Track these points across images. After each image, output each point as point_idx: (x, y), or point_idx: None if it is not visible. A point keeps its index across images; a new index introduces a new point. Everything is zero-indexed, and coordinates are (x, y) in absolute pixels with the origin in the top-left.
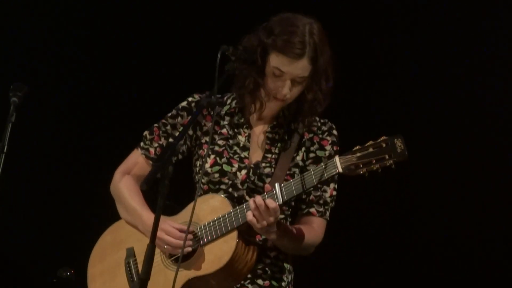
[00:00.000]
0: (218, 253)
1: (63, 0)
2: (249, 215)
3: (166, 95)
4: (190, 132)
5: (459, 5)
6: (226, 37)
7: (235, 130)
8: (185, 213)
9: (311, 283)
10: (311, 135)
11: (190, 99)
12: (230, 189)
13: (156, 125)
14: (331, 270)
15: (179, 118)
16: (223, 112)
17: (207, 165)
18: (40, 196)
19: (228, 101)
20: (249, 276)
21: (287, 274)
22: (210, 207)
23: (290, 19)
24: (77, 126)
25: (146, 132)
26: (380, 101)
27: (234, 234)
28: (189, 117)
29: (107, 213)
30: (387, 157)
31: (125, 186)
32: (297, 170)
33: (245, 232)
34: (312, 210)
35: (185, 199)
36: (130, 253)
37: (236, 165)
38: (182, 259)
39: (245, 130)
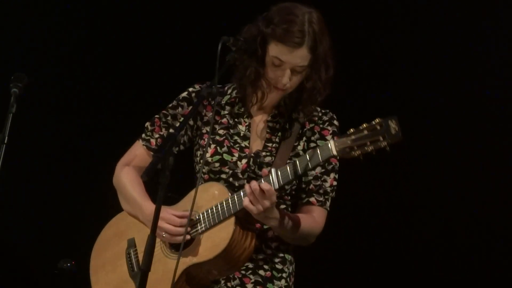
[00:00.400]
0: (216, 240)
1: None
2: (245, 200)
3: (167, 86)
4: (191, 122)
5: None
6: (227, 27)
7: (236, 119)
8: (185, 201)
9: (312, 274)
10: (312, 125)
11: (190, 89)
12: (231, 179)
13: (157, 116)
14: (332, 261)
15: (180, 109)
16: (223, 102)
17: (208, 155)
18: (41, 187)
19: (229, 91)
20: (250, 266)
21: (288, 265)
22: (209, 195)
23: (289, 8)
24: (78, 117)
25: (147, 123)
26: (380, 91)
27: (232, 220)
28: (190, 108)
29: (109, 205)
30: (381, 138)
31: (126, 177)
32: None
33: (244, 219)
34: (312, 199)
35: (186, 190)
36: (131, 243)
37: (236, 155)
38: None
39: (246, 120)
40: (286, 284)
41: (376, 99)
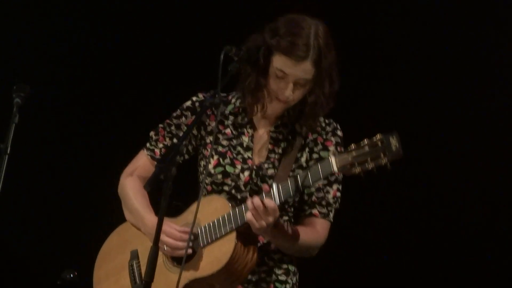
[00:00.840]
0: (218, 254)
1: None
2: (248, 215)
3: (171, 94)
4: (195, 132)
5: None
6: (231, 36)
7: (239, 130)
8: (187, 214)
9: (316, 285)
10: (315, 136)
11: (194, 98)
12: (233, 191)
13: (161, 125)
14: (336, 272)
15: (184, 118)
16: (227, 112)
17: (211, 166)
18: (44, 197)
19: (233, 100)
20: (253, 279)
21: (291, 276)
22: (211, 208)
23: (296, 20)
24: (82, 127)
25: (152, 133)
26: (383, 100)
27: (233, 235)
28: (193, 117)
29: (113, 215)
30: (382, 155)
31: (130, 188)
32: (300, 171)
33: (245, 233)
34: (315, 211)
35: (190, 198)
36: (134, 255)
37: (239, 166)
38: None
39: (249, 130)
40: None
41: (378, 105)
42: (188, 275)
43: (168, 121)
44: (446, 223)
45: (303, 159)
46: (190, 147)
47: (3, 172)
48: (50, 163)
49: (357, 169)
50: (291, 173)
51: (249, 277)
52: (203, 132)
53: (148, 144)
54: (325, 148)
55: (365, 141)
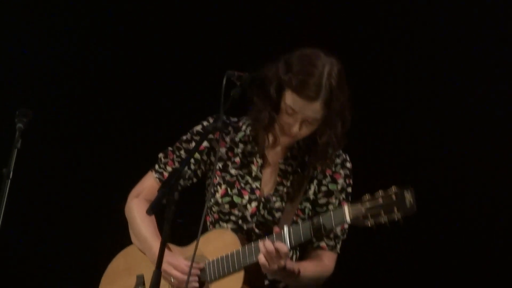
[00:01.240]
0: None
1: (70, 24)
2: (261, 259)
3: (178, 114)
4: (205, 157)
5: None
6: (237, 61)
7: (248, 158)
8: (194, 245)
9: None
10: (323, 167)
11: (204, 123)
12: (240, 221)
13: (170, 148)
14: None
15: (193, 143)
16: (237, 139)
17: (218, 195)
18: (48, 218)
19: (243, 127)
20: None
21: None
22: (221, 242)
23: (310, 58)
24: (85, 149)
25: (161, 155)
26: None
27: (241, 274)
28: (204, 142)
29: (117, 236)
30: (395, 210)
31: (138, 212)
32: (308, 204)
33: (254, 271)
34: (322, 244)
35: (196, 218)
36: (140, 280)
37: (246, 197)
38: None
39: (258, 160)
40: None
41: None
42: None
43: (177, 144)
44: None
45: (311, 192)
46: (199, 172)
47: (5, 196)
48: (54, 182)
49: (370, 222)
50: (299, 207)
51: None
52: (212, 158)
53: (156, 166)
54: (334, 181)
55: (380, 192)
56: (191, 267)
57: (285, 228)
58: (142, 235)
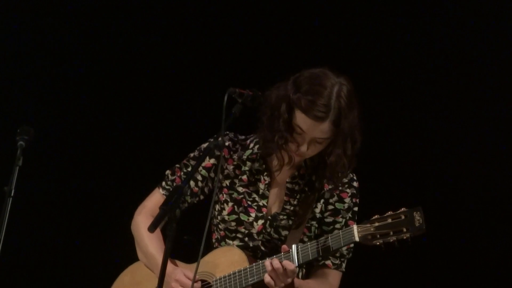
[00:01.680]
0: None
1: (72, 41)
2: (267, 278)
3: (185, 133)
4: (212, 174)
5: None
6: (242, 80)
7: (256, 176)
8: (201, 262)
9: None
10: (330, 186)
11: (212, 140)
12: (246, 238)
13: (177, 165)
14: None
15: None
16: (245, 157)
17: (225, 212)
18: (51, 236)
19: (251, 145)
20: None
21: None
22: (228, 260)
23: (320, 78)
24: (90, 167)
25: (168, 172)
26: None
27: None
28: (211, 159)
29: (123, 253)
30: (404, 230)
31: (144, 228)
32: (314, 223)
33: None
34: (328, 262)
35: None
36: None
37: (253, 215)
38: None
39: (265, 178)
40: None
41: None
42: None
43: (185, 161)
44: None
45: (317, 210)
46: (206, 189)
47: (7, 214)
48: (56, 202)
49: (379, 241)
50: (306, 225)
51: None
52: (220, 176)
53: (164, 183)
54: (341, 200)
55: (389, 213)
56: (193, 280)
57: (294, 247)
58: (149, 252)
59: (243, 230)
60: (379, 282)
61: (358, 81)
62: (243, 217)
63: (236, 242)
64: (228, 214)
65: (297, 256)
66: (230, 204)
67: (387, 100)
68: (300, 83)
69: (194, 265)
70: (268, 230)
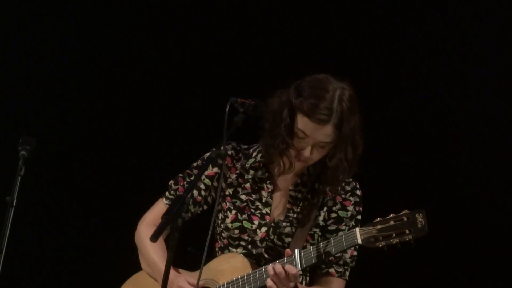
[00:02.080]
0: None
1: (76, 53)
2: (269, 282)
3: (189, 139)
4: (215, 183)
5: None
6: (245, 89)
7: (259, 184)
8: (205, 270)
9: None
10: (333, 194)
11: (214, 149)
12: (249, 246)
13: (180, 175)
14: None
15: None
16: (247, 165)
17: (228, 220)
18: (53, 246)
19: (254, 154)
20: None
21: None
22: (231, 266)
23: (321, 82)
24: (92, 177)
25: (171, 182)
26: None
27: None
28: (214, 168)
29: (126, 263)
30: (407, 231)
31: (148, 238)
32: (318, 231)
33: None
34: (331, 270)
35: (210, 244)
36: None
37: (256, 222)
38: None
39: (268, 186)
40: None
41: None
42: None
43: (188, 171)
44: None
45: (320, 218)
46: (209, 198)
47: (9, 224)
48: (58, 212)
49: (381, 243)
50: (309, 232)
51: None
52: (223, 184)
53: (167, 193)
54: (344, 208)
55: (391, 215)
56: (197, 285)
57: (296, 252)
58: (152, 260)
59: (246, 237)
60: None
61: (359, 86)
62: (246, 224)
63: (239, 250)
64: (232, 222)
65: (300, 260)
66: (234, 212)
67: (388, 104)
68: (302, 88)
69: (197, 272)
70: (272, 237)
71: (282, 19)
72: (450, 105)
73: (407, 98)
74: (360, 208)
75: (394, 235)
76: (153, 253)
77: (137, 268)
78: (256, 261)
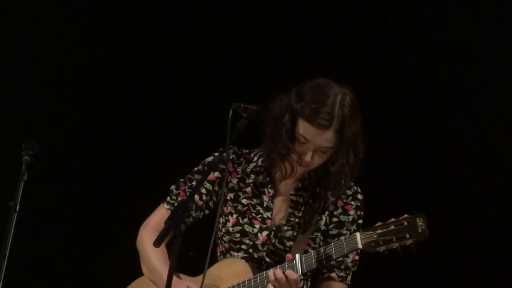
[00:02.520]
0: None
1: (79, 56)
2: (270, 287)
3: (190, 144)
4: (216, 188)
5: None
6: (246, 95)
7: (260, 189)
8: (206, 275)
9: None
10: (335, 199)
11: (216, 154)
12: (251, 250)
13: (182, 180)
14: None
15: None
16: (248, 170)
17: (229, 224)
18: (56, 251)
19: (255, 158)
20: None
21: None
22: (232, 271)
23: (323, 87)
24: (95, 182)
25: (172, 187)
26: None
27: None
28: (216, 173)
29: (128, 268)
30: (407, 236)
31: (149, 244)
32: (319, 235)
33: None
34: (333, 275)
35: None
36: None
37: (257, 226)
38: None
39: (270, 190)
40: None
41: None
42: None
43: (189, 176)
44: None
45: (322, 222)
46: (211, 203)
47: (12, 229)
48: (61, 217)
49: (382, 248)
50: (310, 236)
51: None
52: (224, 189)
53: (168, 198)
54: (345, 212)
55: (392, 219)
56: None
57: (297, 257)
58: (153, 266)
59: (247, 241)
60: None
61: (360, 90)
62: (247, 228)
63: (241, 254)
64: (233, 226)
65: (301, 265)
66: (235, 215)
67: (389, 108)
68: (303, 93)
69: (199, 278)
70: (273, 241)
71: (284, 24)
72: (452, 111)
73: (407, 103)
74: (362, 213)
75: (394, 239)
76: (154, 258)
77: (139, 273)
78: (258, 265)
